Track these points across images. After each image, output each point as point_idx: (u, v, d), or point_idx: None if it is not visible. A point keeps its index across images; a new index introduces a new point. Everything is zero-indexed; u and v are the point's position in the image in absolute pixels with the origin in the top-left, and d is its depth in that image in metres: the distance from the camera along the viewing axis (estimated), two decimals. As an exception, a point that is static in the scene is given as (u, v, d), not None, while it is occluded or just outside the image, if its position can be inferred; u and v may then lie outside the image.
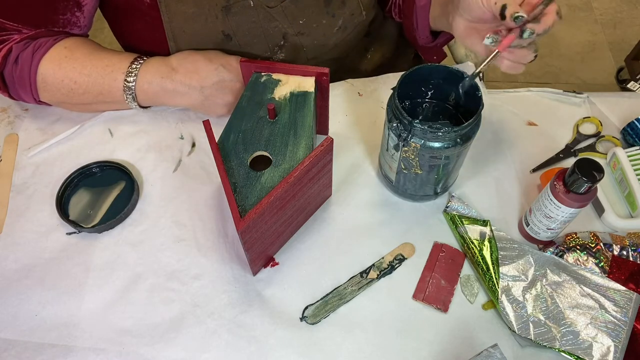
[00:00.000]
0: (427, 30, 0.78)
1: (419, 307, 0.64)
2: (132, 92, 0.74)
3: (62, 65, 0.72)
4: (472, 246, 0.66)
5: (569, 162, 0.76)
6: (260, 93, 0.66)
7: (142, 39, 0.79)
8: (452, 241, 0.69)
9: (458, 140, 0.60)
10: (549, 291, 0.63)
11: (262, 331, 0.62)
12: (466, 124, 0.58)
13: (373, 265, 0.67)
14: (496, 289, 0.63)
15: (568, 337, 0.60)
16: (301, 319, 0.63)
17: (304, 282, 0.65)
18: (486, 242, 0.66)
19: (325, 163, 0.63)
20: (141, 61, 0.74)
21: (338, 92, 0.83)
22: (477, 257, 0.65)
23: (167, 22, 0.73)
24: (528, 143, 0.78)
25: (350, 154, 0.77)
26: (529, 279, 0.64)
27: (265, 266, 0.67)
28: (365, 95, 0.84)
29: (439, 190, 0.70)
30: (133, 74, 0.73)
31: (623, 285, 0.63)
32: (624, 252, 0.66)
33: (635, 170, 0.70)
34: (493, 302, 0.63)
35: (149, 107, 0.80)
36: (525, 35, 0.55)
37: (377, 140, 0.78)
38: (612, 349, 0.59)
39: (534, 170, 0.75)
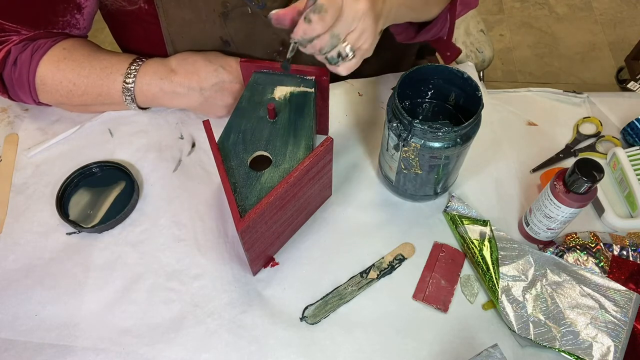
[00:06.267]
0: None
1: (419, 307, 0.64)
2: (131, 94, 0.74)
3: (60, 66, 0.72)
4: (472, 246, 0.66)
5: (569, 162, 0.76)
6: (260, 93, 0.66)
7: (141, 43, 0.79)
8: (452, 241, 0.69)
9: (458, 140, 0.60)
10: (549, 291, 0.63)
11: (262, 331, 0.62)
12: (466, 124, 0.58)
13: (373, 265, 0.67)
14: (496, 289, 0.63)
15: (568, 337, 0.60)
16: (301, 319, 0.63)
17: (304, 282, 0.65)
18: (486, 242, 0.66)
19: (325, 163, 0.63)
20: (140, 62, 0.73)
21: (338, 92, 0.83)
22: (477, 257, 0.65)
23: (165, 27, 0.73)
24: (528, 143, 0.78)
25: (350, 154, 0.77)
26: (529, 279, 0.64)
27: (265, 266, 0.67)
28: (365, 95, 0.84)
29: (439, 190, 0.70)
30: (132, 76, 0.72)
31: (623, 285, 0.63)
32: (624, 252, 0.66)
33: (635, 170, 0.70)
34: (493, 302, 0.63)
35: (148, 108, 0.80)
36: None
37: (377, 140, 0.78)
38: (612, 349, 0.59)
39: (534, 170, 0.75)
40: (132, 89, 0.73)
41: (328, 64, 0.56)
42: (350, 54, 0.54)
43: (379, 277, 0.66)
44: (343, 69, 0.56)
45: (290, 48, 0.56)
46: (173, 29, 0.73)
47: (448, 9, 0.74)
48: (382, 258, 0.67)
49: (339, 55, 0.54)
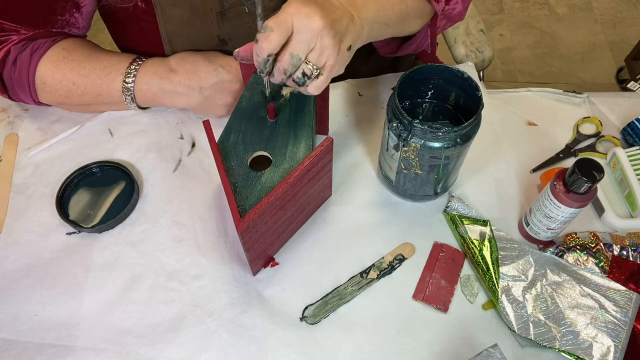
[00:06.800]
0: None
1: (419, 307, 0.64)
2: (131, 93, 0.74)
3: (60, 66, 0.72)
4: (472, 246, 0.66)
5: (569, 162, 0.76)
6: (260, 93, 0.66)
7: (139, 42, 0.79)
8: (452, 241, 0.69)
9: (458, 140, 0.60)
10: (549, 291, 0.63)
11: (262, 331, 0.62)
12: (466, 124, 0.58)
13: (373, 265, 0.67)
14: (496, 289, 0.63)
15: (568, 337, 0.60)
16: (301, 319, 0.63)
17: (304, 282, 0.65)
18: (486, 242, 0.66)
19: (325, 163, 0.63)
20: (140, 62, 0.73)
21: (338, 92, 0.83)
22: (477, 257, 0.65)
23: (162, 26, 0.73)
24: (528, 143, 0.78)
25: (350, 154, 0.77)
26: (529, 279, 0.64)
27: (265, 266, 0.67)
28: (365, 95, 0.84)
29: (439, 190, 0.70)
30: (132, 75, 0.72)
31: (623, 285, 0.63)
32: (624, 252, 0.66)
33: (635, 170, 0.70)
34: (493, 302, 0.63)
35: (148, 108, 0.80)
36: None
37: (377, 140, 0.78)
38: (612, 349, 0.59)
39: (534, 170, 0.75)
40: (131, 88, 0.73)
41: (297, 87, 0.56)
42: (315, 72, 0.55)
43: (379, 277, 0.66)
44: (312, 89, 0.56)
45: (264, 82, 0.59)
46: (170, 28, 0.73)
47: (428, 25, 0.74)
48: (382, 258, 0.67)
49: (304, 74, 0.54)
